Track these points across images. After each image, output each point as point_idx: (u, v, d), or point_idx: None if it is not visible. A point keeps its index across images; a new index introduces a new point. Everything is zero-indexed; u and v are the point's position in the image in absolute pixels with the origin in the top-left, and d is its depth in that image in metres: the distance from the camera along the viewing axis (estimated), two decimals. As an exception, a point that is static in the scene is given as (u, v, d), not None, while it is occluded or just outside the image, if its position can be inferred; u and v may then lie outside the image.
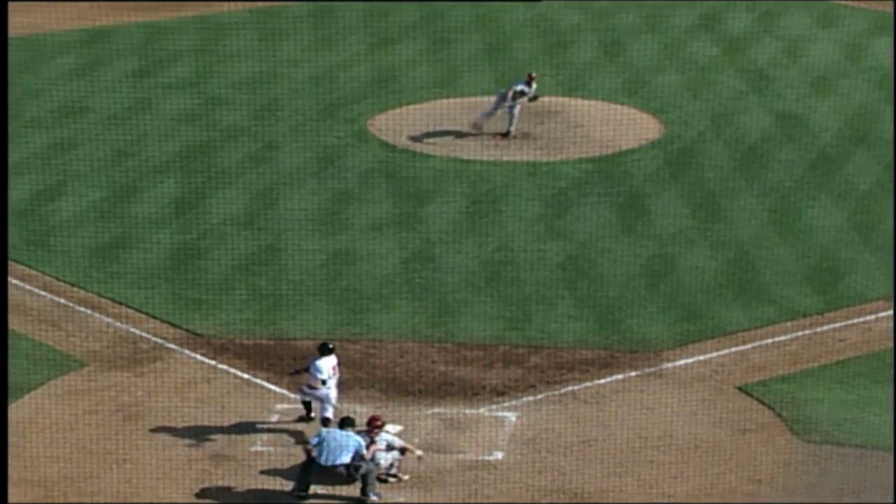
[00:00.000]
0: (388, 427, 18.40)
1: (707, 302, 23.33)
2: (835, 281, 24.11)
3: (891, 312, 22.68)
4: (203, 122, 32.07)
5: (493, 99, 31.11)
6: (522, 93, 30.76)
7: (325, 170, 29.52)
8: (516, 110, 30.78)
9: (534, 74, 31.18)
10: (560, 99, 32.83)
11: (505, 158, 30.02)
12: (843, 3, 40.48)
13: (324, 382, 18.96)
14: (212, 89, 34.23)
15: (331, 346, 19.45)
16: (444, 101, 33.53)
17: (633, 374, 20.91)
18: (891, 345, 21.54)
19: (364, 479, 17.48)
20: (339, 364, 19.44)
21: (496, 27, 39.10)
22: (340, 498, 17.68)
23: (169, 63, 36.03)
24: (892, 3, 39.94)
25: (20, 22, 33.92)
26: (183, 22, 39.31)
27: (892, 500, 16.83)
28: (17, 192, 27.17)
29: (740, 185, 28.40)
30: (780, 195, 27.88)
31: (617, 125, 31.70)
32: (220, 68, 35.69)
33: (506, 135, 30.82)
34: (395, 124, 31.91)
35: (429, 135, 31.26)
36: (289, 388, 20.10)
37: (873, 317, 22.80)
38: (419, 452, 18.05)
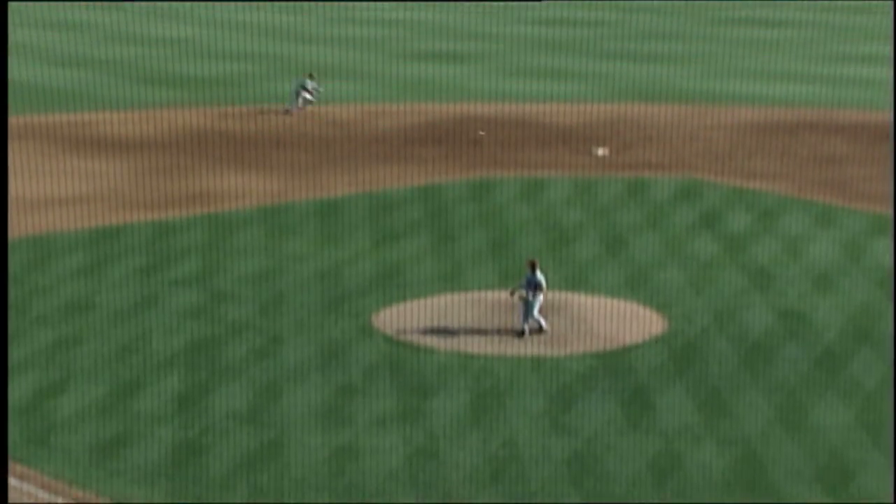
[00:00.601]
0: None
1: (715, 500, 23.02)
2: (845, 481, 23.84)
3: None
4: (208, 317, 32.20)
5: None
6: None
7: (329, 364, 29.50)
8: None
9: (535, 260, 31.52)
10: (564, 294, 33.01)
11: (509, 353, 30.04)
12: (841, 204, 41.01)
13: None
14: (218, 285, 34.48)
15: None
16: (449, 295, 33.75)
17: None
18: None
19: None
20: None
21: (500, 223, 39.59)
22: None
23: (176, 259, 36.38)
24: (890, 206, 40.53)
25: (31, 222, 34.43)
26: (191, 219, 39.84)
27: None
28: (20, 389, 27.13)
29: (746, 382, 28.33)
30: (786, 392, 27.79)
31: (621, 320, 31.87)
32: (226, 264, 36.01)
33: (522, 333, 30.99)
34: (399, 319, 32.05)
35: (433, 329, 31.38)
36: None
37: (884, 516, 22.50)
38: None
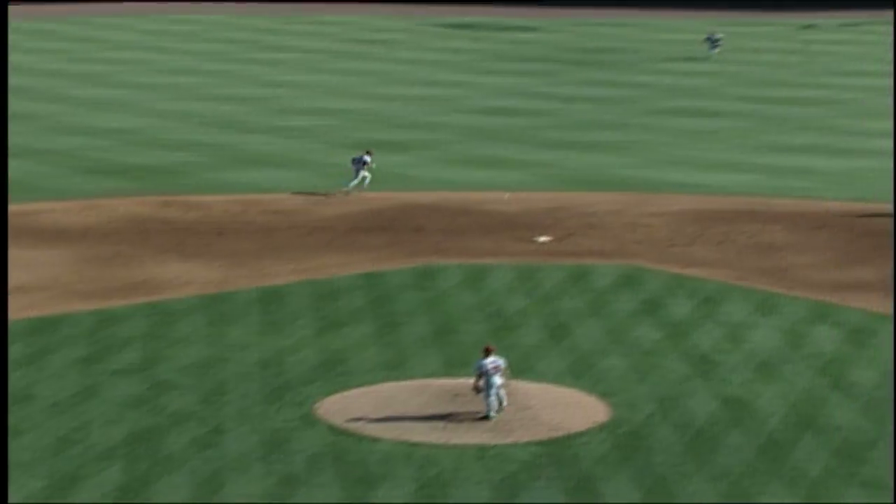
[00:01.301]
0: None
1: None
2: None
3: None
4: (149, 408, 31.86)
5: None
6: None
7: (272, 454, 29.22)
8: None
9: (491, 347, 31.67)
10: (508, 381, 32.94)
11: (453, 441, 29.89)
12: (781, 292, 41.39)
13: None
14: (159, 374, 34.17)
15: None
16: (393, 383, 33.64)
17: None
18: None
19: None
20: None
21: (443, 310, 39.60)
22: None
23: (117, 349, 36.04)
24: (829, 294, 41.03)
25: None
26: (133, 309, 39.54)
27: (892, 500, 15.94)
28: (-44, 479, 26.56)
29: (690, 470, 28.35)
30: (730, 480, 27.82)
31: (564, 408, 31.90)
32: (168, 353, 35.72)
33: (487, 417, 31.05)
34: (342, 407, 31.87)
35: (377, 418, 31.22)
36: None
37: None
38: None
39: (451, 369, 34.43)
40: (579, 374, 34.32)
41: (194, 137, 64.38)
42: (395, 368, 34.76)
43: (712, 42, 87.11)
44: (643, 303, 40.19)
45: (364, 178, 52.54)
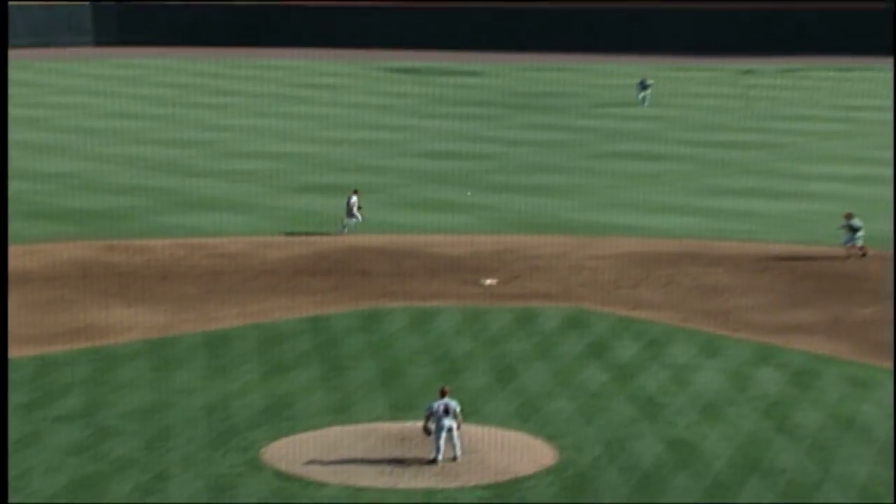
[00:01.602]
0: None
1: None
2: None
3: None
4: (92, 454, 31.52)
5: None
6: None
7: (217, 500, 28.98)
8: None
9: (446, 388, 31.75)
10: (460, 426, 32.87)
11: (401, 486, 29.79)
12: (725, 334, 41.68)
13: None
14: (102, 420, 33.84)
15: None
16: (339, 428, 33.50)
17: None
18: None
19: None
20: None
21: (389, 354, 39.53)
22: None
23: (59, 395, 35.66)
24: (773, 336, 41.38)
25: None
26: (75, 354, 39.18)
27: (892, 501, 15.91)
28: None
29: (637, 512, 28.37)
30: (676, 522, 27.87)
31: (511, 451, 31.88)
32: (111, 399, 35.40)
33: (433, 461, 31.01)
34: (288, 452, 31.69)
35: (323, 462, 31.08)
36: None
37: None
38: None
39: (397, 413, 34.36)
40: (526, 417, 34.33)
41: (139, 181, 64.08)
42: (342, 412, 34.63)
43: (642, 87, 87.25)
44: (589, 345, 40.33)
45: (356, 218, 53.32)
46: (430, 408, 31.13)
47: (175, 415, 34.22)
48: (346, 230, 53.31)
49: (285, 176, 65.53)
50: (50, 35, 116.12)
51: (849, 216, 50.09)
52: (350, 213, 53.37)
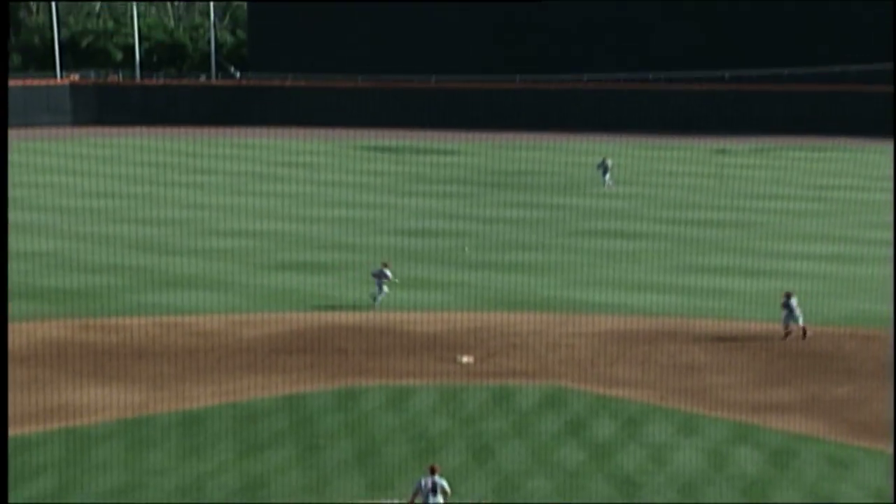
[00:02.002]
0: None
1: None
2: None
3: None
4: (65, 535, 31.14)
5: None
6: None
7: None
8: None
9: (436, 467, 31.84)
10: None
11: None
12: (703, 412, 41.66)
13: None
14: (75, 501, 33.45)
15: None
16: (315, 508, 33.25)
17: None
18: None
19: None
20: None
21: (366, 432, 39.34)
22: None
23: (31, 476, 35.30)
24: (750, 414, 41.35)
25: None
26: (48, 434, 38.85)
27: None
28: None
29: (616, 592, 28.15)
30: None
31: (489, 531, 31.63)
32: (84, 480, 35.05)
33: None
34: (264, 534, 31.39)
35: (299, 544, 30.78)
36: None
37: None
38: None
39: (374, 492, 34.15)
40: (504, 495, 34.15)
41: (115, 260, 63.92)
42: (318, 492, 34.38)
43: (604, 168, 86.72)
44: (567, 423, 40.22)
45: (384, 291, 54.13)
46: (419, 484, 31.05)
47: (148, 496, 33.91)
48: (377, 303, 53.98)
49: (262, 254, 65.53)
50: (29, 115, 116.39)
51: (788, 295, 50.09)
52: (380, 287, 54.14)
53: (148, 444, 37.98)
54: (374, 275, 54.85)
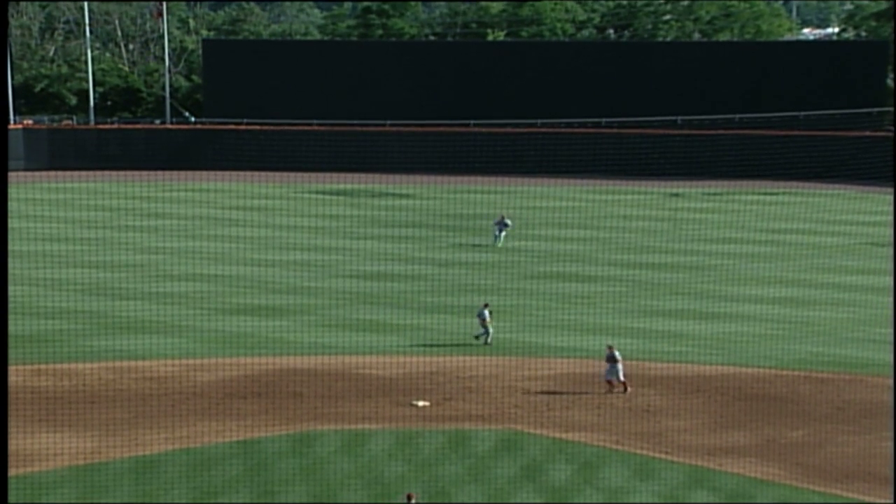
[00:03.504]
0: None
1: None
2: None
3: None
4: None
5: None
6: None
7: None
8: None
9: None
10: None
11: None
12: (658, 456, 41.68)
13: None
14: (26, 548, 33.01)
15: None
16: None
17: None
18: None
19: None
20: None
21: (321, 477, 39.10)
22: None
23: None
24: (705, 459, 41.43)
25: None
26: (-1, 479, 38.25)
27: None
28: None
29: None
30: None
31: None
32: (36, 526, 34.57)
33: None
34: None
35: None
36: None
37: None
38: None
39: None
40: (460, 541, 33.97)
41: (68, 304, 63.45)
42: (273, 540, 34.06)
43: (501, 226, 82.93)
44: (523, 468, 40.13)
45: (489, 332, 55.87)
46: None
47: (102, 543, 33.49)
48: (489, 339, 55.60)
49: (216, 298, 65.21)
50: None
51: (610, 348, 48.93)
52: (484, 327, 55.73)
53: (100, 491, 37.54)
54: (478, 314, 56.49)
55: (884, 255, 77.30)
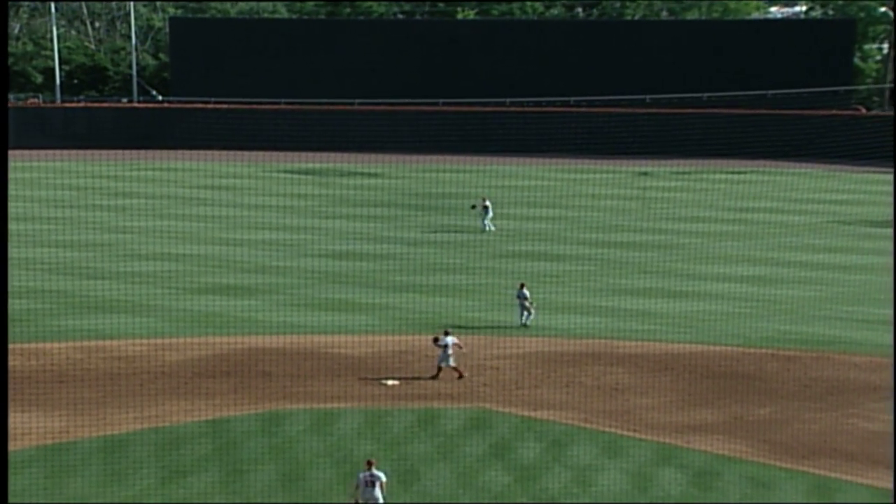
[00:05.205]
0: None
1: None
2: None
3: None
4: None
5: None
6: None
7: None
8: None
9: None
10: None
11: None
12: (627, 434, 41.89)
13: None
14: (-5, 528, 32.83)
15: None
16: (239, 534, 32.96)
17: None
18: None
19: None
20: None
21: (291, 456, 39.11)
22: None
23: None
24: (673, 436, 41.62)
25: None
26: (-34, 459, 38.10)
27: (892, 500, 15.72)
28: None
29: None
30: None
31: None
32: (4, 506, 34.39)
33: None
34: (188, 560, 31.05)
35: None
36: None
37: None
38: None
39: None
40: (429, 519, 34.06)
41: (35, 284, 63.10)
42: (243, 518, 34.08)
43: (485, 211, 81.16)
44: (492, 446, 40.24)
45: (530, 310, 55.71)
46: (358, 478, 33.07)
47: (70, 523, 33.42)
48: (530, 319, 55.48)
49: (185, 277, 65.04)
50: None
51: (447, 333, 47.92)
52: (523, 307, 55.55)
53: (69, 471, 37.45)
54: (519, 296, 56.16)
55: (850, 234, 77.87)
